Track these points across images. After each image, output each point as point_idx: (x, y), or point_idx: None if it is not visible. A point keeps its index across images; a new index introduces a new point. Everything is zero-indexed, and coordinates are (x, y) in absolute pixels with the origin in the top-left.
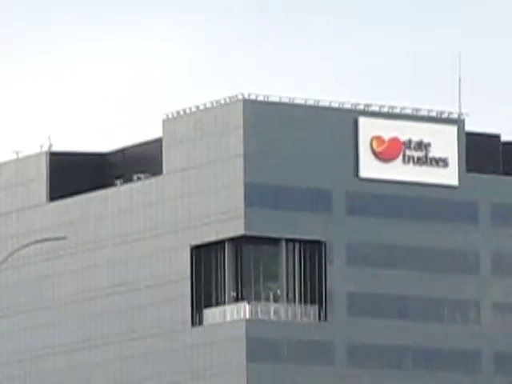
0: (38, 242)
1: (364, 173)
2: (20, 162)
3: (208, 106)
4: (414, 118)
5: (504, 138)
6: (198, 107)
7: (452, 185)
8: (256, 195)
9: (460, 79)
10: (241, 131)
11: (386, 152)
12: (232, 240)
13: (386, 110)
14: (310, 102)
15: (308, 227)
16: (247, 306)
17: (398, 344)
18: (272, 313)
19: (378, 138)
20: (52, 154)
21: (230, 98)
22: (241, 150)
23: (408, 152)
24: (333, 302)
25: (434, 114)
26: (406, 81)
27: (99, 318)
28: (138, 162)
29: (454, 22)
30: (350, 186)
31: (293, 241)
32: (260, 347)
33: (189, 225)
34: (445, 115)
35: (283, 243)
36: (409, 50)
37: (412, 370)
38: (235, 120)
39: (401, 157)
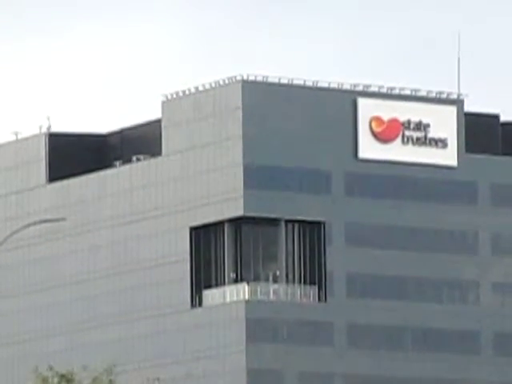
0: (37, 223)
1: (363, 153)
2: (19, 144)
3: (207, 87)
4: (413, 98)
5: (503, 119)
6: (197, 88)
7: (451, 165)
8: (255, 176)
9: (459, 60)
10: (240, 112)
11: (385, 133)
12: (231, 221)
13: (384, 90)
14: (309, 83)
15: (307, 208)
16: (246, 287)
17: (397, 324)
18: (271, 293)
19: (377, 119)
20: (51, 136)
21: (228, 79)
22: (240, 131)
23: (407, 132)
24: (332, 283)
25: (433, 94)
26: (405, 61)
27: (99, 299)
28: (137, 143)
29: (453, 2)
30: (349, 167)
31: (292, 222)
32: (259, 328)
33: (188, 206)
34: (444, 96)
35: (282, 224)
36: (408, 30)
37: (411, 350)
38: (234, 101)
39: (400, 137)
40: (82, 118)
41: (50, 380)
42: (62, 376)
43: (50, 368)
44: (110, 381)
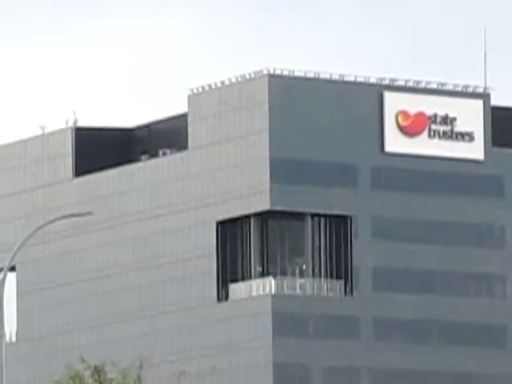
0: (64, 217)
1: (389, 147)
2: (46, 138)
3: (233, 81)
4: (440, 92)
5: None
6: (223, 82)
7: (478, 159)
8: (281, 170)
9: (486, 53)
10: (266, 106)
11: (412, 126)
12: (258, 215)
13: (411, 84)
14: (336, 77)
15: (333, 202)
16: (273, 281)
17: (423, 318)
18: (298, 287)
19: (404, 113)
20: (78, 130)
21: (255, 72)
22: (266, 125)
23: (433, 126)
24: (358, 277)
25: (459, 88)
26: (432, 55)
27: (125, 293)
28: (164, 137)
29: None
30: (375, 161)
31: (318, 215)
32: (286, 322)
33: (214, 200)
34: (470, 89)
35: (309, 218)
36: (435, 24)
37: (437, 344)
38: (260, 95)
39: (426, 131)
40: (109, 113)
41: (81, 373)
42: (95, 368)
43: (82, 360)
44: (138, 375)
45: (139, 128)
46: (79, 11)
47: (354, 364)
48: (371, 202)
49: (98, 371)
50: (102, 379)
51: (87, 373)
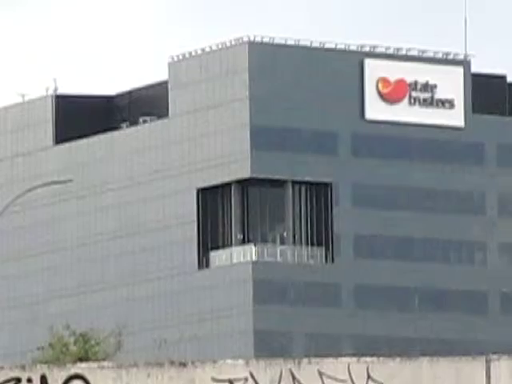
0: (44, 185)
1: (370, 114)
2: (26, 105)
3: (214, 48)
4: (420, 59)
5: (510, 79)
6: (203, 50)
7: (458, 126)
8: (262, 137)
9: (466, 20)
10: (246, 74)
11: (392, 93)
12: (238, 182)
13: (391, 51)
14: (316, 45)
15: (314, 169)
16: (253, 248)
17: (404, 285)
18: (278, 255)
19: (384, 80)
20: (58, 97)
21: (235, 40)
22: (246, 93)
23: (414, 93)
24: (339, 244)
25: (439, 55)
26: (412, 22)
27: (106, 261)
28: (144, 104)
29: None
30: (355, 128)
31: (299, 183)
32: (266, 289)
33: (195, 167)
34: (451, 56)
35: (289, 185)
36: None
37: (418, 310)
38: (241, 62)
39: (407, 98)
40: (89, 80)
41: (65, 339)
42: (80, 335)
43: (67, 327)
44: (119, 342)
45: (120, 95)
46: None
47: (335, 331)
48: (352, 169)
49: (83, 338)
50: (86, 346)
51: (71, 339)
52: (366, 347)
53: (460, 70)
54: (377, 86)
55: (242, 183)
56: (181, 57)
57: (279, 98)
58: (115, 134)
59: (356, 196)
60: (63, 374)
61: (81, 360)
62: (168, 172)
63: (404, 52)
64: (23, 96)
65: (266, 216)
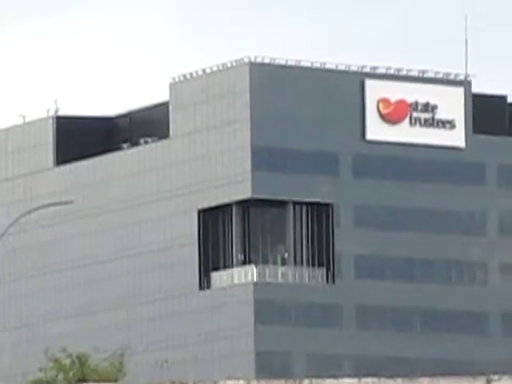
0: (45, 206)
1: (371, 135)
2: (27, 127)
3: (214, 69)
4: (421, 79)
5: (511, 99)
6: (204, 70)
7: (459, 146)
8: (263, 158)
9: (466, 41)
10: (247, 94)
11: (393, 114)
12: (239, 203)
13: (392, 72)
14: (317, 65)
15: (315, 190)
16: (255, 269)
17: (405, 306)
18: (280, 275)
19: (385, 101)
20: (58, 119)
21: (236, 61)
22: (247, 114)
23: (415, 114)
24: (340, 265)
25: (440, 75)
26: (413, 43)
27: (107, 282)
28: (145, 125)
29: None
30: (356, 149)
31: (300, 203)
32: (268, 310)
33: (196, 188)
34: (451, 77)
35: (290, 206)
36: (415, 11)
37: (420, 331)
38: (241, 83)
39: (407, 119)
40: (90, 101)
41: (62, 362)
42: (77, 357)
43: (64, 350)
44: (121, 363)
45: (120, 116)
46: (58, 1)
47: (336, 352)
48: (353, 190)
49: (79, 360)
50: (83, 368)
51: (68, 361)
52: (367, 368)
53: (461, 90)
54: (377, 107)
55: (243, 204)
56: (182, 77)
57: (280, 119)
58: (116, 155)
59: (357, 217)
60: None
61: (80, 381)
62: (169, 193)
63: (405, 72)
64: (24, 117)
65: (267, 237)
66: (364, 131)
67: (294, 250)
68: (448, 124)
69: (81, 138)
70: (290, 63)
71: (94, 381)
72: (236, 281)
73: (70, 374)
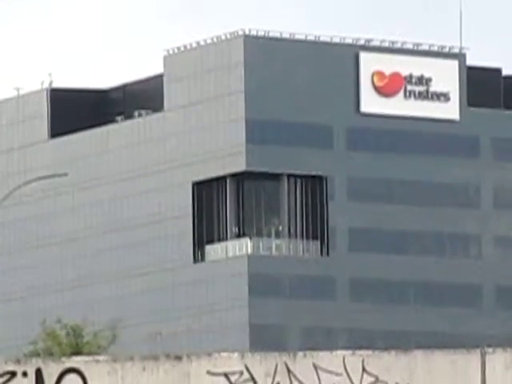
0: (39, 179)
1: (365, 108)
2: (21, 99)
3: (209, 42)
4: (415, 52)
5: (505, 72)
6: (198, 43)
7: (453, 119)
8: (257, 131)
9: (461, 13)
10: (242, 67)
11: (387, 87)
12: (233, 176)
13: (386, 44)
14: (311, 38)
15: (309, 162)
16: (249, 242)
17: (399, 278)
18: (274, 248)
19: (379, 73)
20: (53, 91)
21: (230, 33)
22: (242, 86)
23: (409, 87)
24: (334, 237)
25: (435, 48)
26: (407, 15)
27: (100, 255)
28: (139, 98)
29: None
30: (350, 122)
31: (294, 176)
32: (262, 283)
33: (190, 161)
34: (446, 50)
35: (285, 179)
36: None
37: (413, 304)
38: (236, 56)
39: (402, 91)
40: (84, 74)
41: (57, 332)
42: (72, 329)
43: (59, 321)
44: (114, 335)
45: (115, 89)
46: None
47: (330, 324)
48: (347, 163)
49: (74, 331)
50: (77, 340)
51: (63, 333)
52: (361, 340)
53: (455, 63)
54: (372, 80)
55: (238, 177)
56: (176, 50)
57: (274, 92)
58: (110, 127)
59: (351, 189)
60: (58, 368)
61: (74, 354)
62: (163, 166)
63: (399, 45)
64: (18, 90)
65: (262, 210)
66: (358, 104)
67: (289, 223)
68: (442, 97)
69: (75, 110)
70: (284, 36)
71: (89, 353)
72: (230, 254)
73: (64, 346)
